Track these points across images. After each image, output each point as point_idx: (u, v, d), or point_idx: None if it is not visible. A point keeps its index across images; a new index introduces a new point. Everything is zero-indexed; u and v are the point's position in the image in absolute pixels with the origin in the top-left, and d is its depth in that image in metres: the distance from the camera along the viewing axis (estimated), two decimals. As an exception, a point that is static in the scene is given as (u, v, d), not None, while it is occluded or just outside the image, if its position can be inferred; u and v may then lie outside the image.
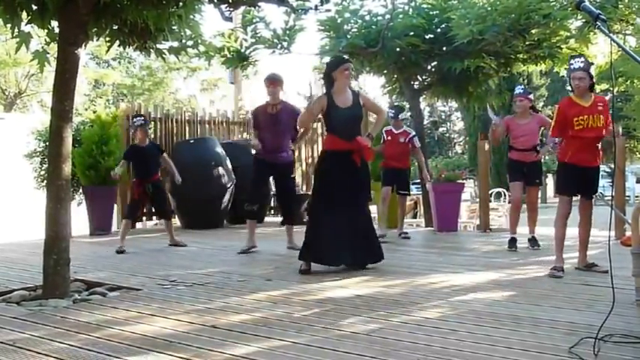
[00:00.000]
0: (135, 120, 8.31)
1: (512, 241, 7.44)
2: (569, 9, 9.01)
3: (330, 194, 6.01)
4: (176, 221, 11.24)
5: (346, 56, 7.31)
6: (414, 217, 13.91)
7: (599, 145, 5.82)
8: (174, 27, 5.49)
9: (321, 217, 6.04)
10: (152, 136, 11.34)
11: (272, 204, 12.25)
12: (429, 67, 10.72)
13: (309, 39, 12.14)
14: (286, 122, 7.37)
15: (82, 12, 4.92)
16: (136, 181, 8.27)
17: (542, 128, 7.48)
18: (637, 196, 28.01)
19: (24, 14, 4.93)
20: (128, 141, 10.77)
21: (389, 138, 8.84)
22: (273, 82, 7.37)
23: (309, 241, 6.01)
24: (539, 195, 7.98)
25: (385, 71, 10.95)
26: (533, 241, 7.52)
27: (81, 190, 10.23)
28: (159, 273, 6.00)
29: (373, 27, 10.03)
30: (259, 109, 7.58)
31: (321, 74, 6.58)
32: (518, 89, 7.67)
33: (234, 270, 6.16)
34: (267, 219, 11.78)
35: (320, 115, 6.29)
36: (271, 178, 8.21)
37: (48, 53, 5.10)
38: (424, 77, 11.21)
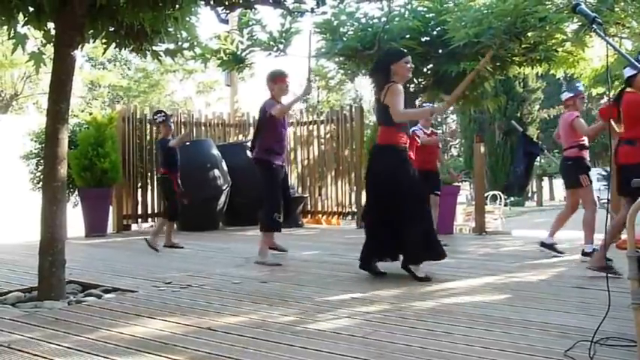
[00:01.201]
0: (156, 117, 8.25)
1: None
2: (565, 12, 9.03)
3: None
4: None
5: (342, 58, 7.24)
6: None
7: None
8: (170, 29, 5.50)
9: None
10: (148, 137, 11.39)
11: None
12: (425, 70, 10.72)
13: (305, 41, 12.08)
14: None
15: (78, 14, 4.92)
16: (175, 176, 8.11)
17: None
18: (632, 199, 28.00)
19: (20, 16, 4.93)
20: (124, 142, 10.78)
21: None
22: (287, 76, 6.97)
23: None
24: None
25: (381, 74, 10.96)
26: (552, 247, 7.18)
27: (76, 192, 10.23)
28: (155, 275, 5.99)
29: (369, 29, 10.04)
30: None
31: (377, 63, 6.02)
32: (582, 87, 7.29)
33: (230, 272, 6.16)
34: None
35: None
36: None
37: (44, 55, 5.10)
38: (420, 80, 11.22)
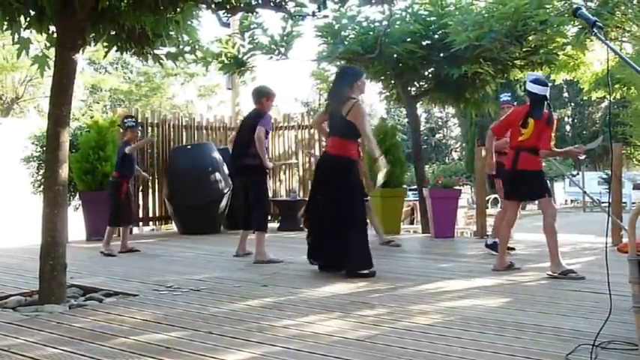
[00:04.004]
0: (125, 121, 8.35)
1: None
2: (566, 15, 9.05)
3: None
4: (173, 226, 11.27)
5: (343, 61, 7.27)
6: (411, 223, 13.92)
7: None
8: (171, 32, 5.50)
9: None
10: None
11: (271, 210, 12.25)
12: (426, 73, 10.72)
13: (307, 45, 12.11)
14: None
15: (80, 17, 4.92)
16: (126, 181, 8.18)
17: None
18: (633, 203, 28.01)
19: (22, 19, 4.93)
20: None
21: None
22: (275, 95, 7.50)
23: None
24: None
25: (382, 77, 10.96)
26: None
27: (78, 195, 10.22)
28: (155, 279, 5.99)
29: (370, 33, 10.04)
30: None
31: (342, 77, 6.47)
32: None
33: (230, 276, 6.16)
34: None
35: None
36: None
37: (48, 58, 5.10)
38: (421, 83, 11.22)
